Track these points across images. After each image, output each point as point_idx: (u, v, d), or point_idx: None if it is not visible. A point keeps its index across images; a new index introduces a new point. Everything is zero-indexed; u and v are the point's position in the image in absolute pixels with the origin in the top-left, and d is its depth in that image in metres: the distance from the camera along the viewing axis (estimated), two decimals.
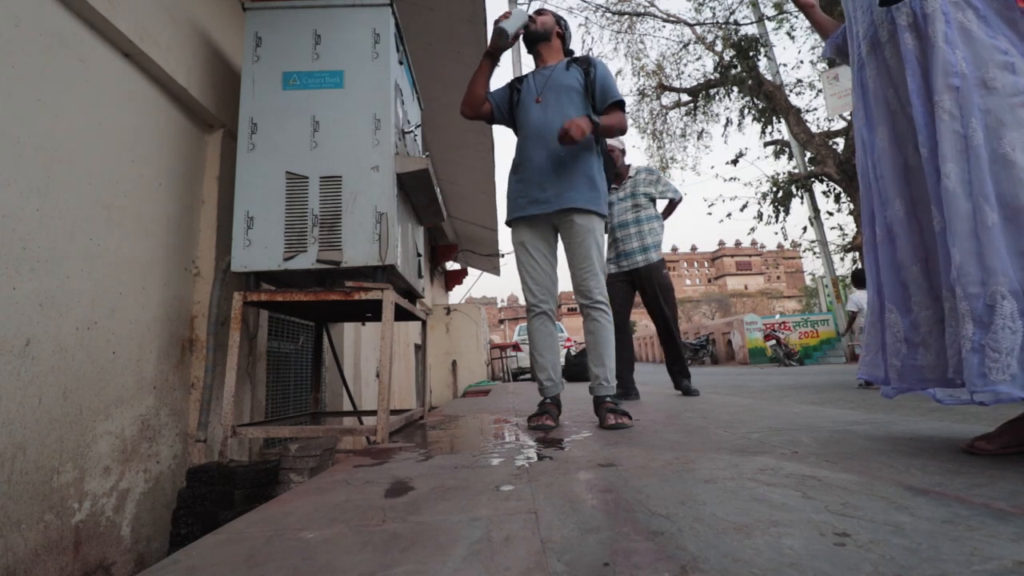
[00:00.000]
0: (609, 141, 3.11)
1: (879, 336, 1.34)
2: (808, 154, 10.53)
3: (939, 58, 1.15)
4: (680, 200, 3.41)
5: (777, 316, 16.30)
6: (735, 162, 11.31)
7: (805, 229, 10.92)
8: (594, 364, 1.95)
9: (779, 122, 11.17)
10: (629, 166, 3.41)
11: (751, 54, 10.79)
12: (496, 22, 1.89)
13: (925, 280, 1.22)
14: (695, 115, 12.79)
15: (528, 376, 10.72)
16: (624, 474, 1.08)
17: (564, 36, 2.13)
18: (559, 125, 1.90)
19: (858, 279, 6.07)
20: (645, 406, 2.55)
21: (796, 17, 10.84)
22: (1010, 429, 1.08)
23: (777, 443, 1.33)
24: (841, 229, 11.69)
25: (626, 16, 12.01)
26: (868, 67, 1.34)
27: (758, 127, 11.44)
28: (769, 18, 10.91)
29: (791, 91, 11.03)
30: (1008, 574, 0.54)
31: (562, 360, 7.44)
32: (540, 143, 1.94)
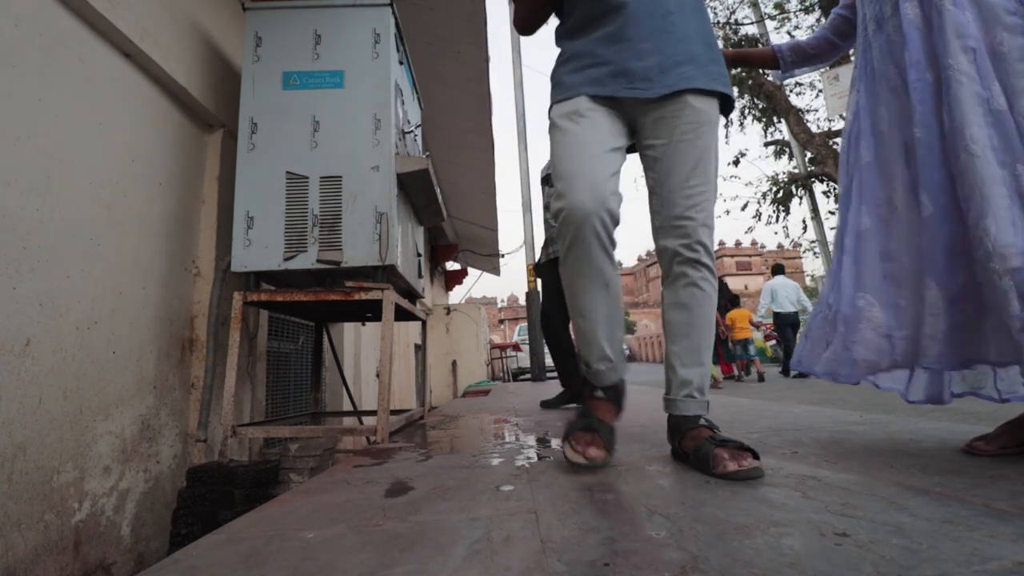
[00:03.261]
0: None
1: (838, 330, 1.20)
2: (808, 154, 10.52)
3: (949, 20, 1.08)
4: None
5: None
6: (736, 162, 11.31)
7: (805, 229, 10.91)
8: (683, 361, 1.16)
9: (779, 122, 11.17)
10: None
11: None
12: None
13: (915, 269, 1.12)
14: None
15: (528, 376, 9.99)
16: (624, 474, 1.08)
17: None
18: None
19: None
20: (645, 406, 2.54)
21: (797, 16, 10.84)
22: (1009, 430, 1.08)
23: (777, 443, 1.33)
24: None
25: None
26: (874, 46, 1.26)
27: (759, 127, 11.41)
28: (771, 17, 10.89)
29: (791, 91, 11.02)
30: (1008, 574, 0.54)
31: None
32: None
